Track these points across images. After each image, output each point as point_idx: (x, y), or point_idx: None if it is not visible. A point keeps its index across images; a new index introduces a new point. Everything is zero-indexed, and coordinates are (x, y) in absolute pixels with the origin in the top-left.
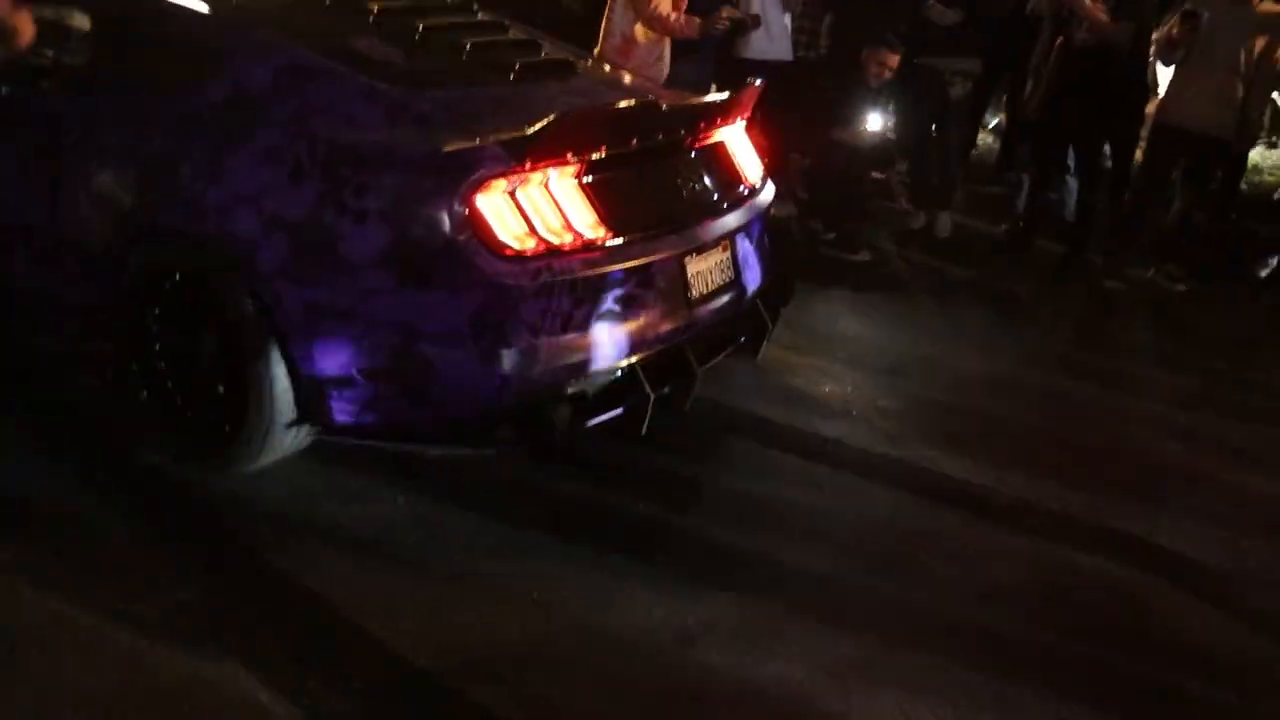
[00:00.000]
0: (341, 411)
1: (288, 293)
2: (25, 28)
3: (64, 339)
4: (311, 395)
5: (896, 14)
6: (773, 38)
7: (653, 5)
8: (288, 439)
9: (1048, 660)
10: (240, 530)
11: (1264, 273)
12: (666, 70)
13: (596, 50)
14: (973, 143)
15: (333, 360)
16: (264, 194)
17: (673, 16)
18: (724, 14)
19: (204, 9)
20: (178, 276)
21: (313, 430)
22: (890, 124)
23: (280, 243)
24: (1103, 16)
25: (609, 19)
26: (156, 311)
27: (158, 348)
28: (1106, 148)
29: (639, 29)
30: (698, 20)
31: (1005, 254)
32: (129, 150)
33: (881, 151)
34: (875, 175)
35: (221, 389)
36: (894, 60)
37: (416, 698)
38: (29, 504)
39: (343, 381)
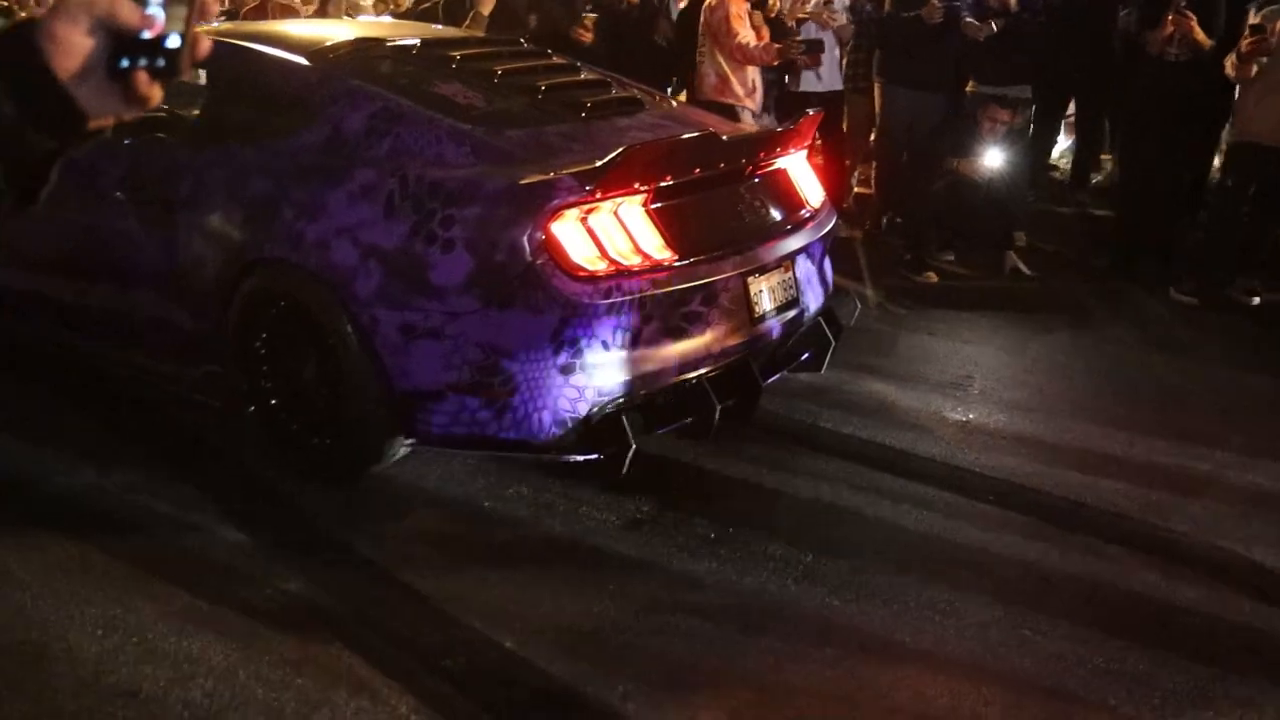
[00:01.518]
0: (433, 424)
1: (383, 316)
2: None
3: (179, 364)
4: (406, 409)
5: (944, 48)
6: (822, 71)
7: (735, 37)
8: (385, 451)
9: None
10: (339, 533)
11: None
12: (762, 98)
13: (687, 92)
14: (1045, 166)
15: (425, 376)
16: (360, 227)
17: (754, 45)
18: (798, 39)
19: (303, 61)
20: (282, 304)
21: (407, 442)
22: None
23: (376, 271)
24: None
25: (701, 61)
26: (264, 336)
27: (265, 369)
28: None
29: (724, 61)
30: (776, 46)
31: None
32: (238, 192)
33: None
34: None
35: (323, 405)
36: (1005, 115)
37: (507, 676)
38: (154, 515)
39: (434, 395)
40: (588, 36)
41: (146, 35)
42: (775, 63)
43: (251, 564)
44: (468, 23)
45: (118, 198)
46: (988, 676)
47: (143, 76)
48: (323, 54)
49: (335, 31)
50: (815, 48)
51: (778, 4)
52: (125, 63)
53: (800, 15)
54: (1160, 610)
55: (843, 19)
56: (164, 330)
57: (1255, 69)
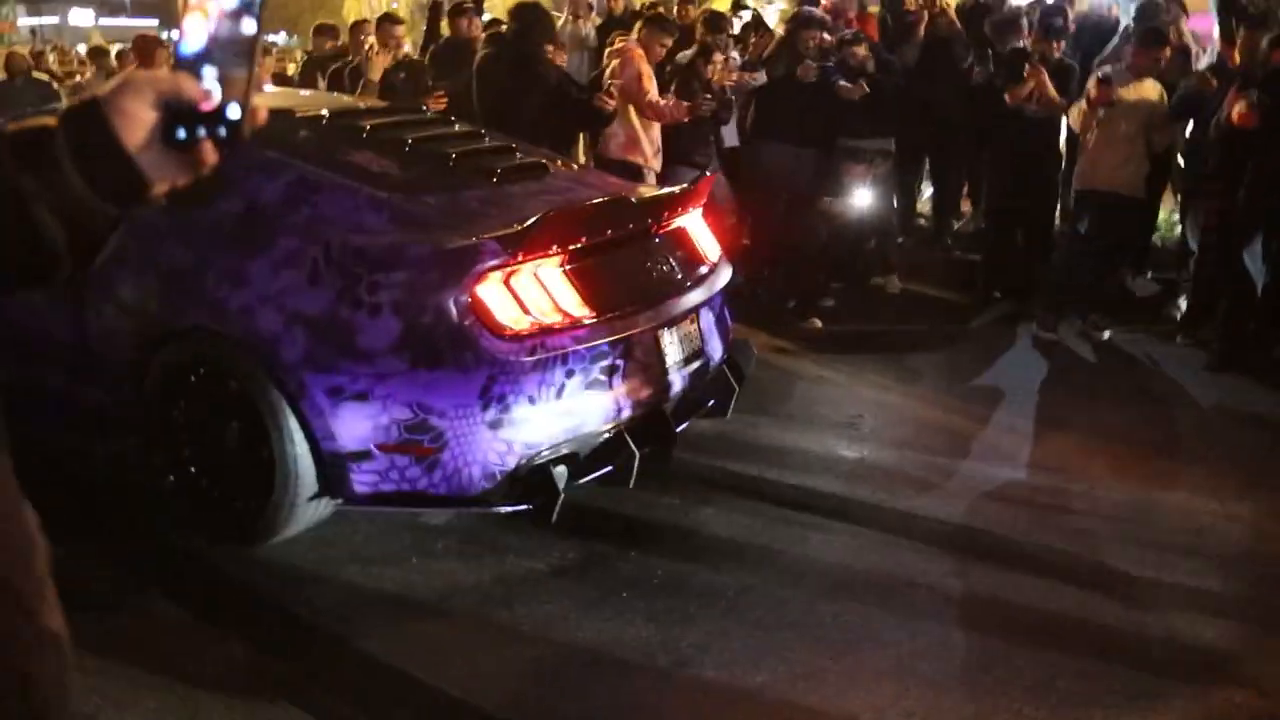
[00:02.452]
0: (361, 483)
1: (310, 380)
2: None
3: (94, 438)
4: (333, 470)
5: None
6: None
7: (646, 95)
8: (311, 512)
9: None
10: (274, 596)
11: (1178, 314)
12: (660, 163)
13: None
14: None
15: (353, 437)
16: (285, 294)
17: (665, 102)
18: (707, 96)
19: None
20: (203, 371)
21: (334, 502)
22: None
23: (302, 336)
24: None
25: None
26: (182, 404)
27: (184, 437)
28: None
29: (636, 120)
30: (686, 104)
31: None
32: (154, 262)
33: (867, 224)
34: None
35: (247, 470)
36: (860, 169)
37: None
38: (86, 594)
39: (363, 455)
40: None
41: (206, 107)
42: (686, 119)
43: (191, 633)
44: (359, 90)
45: None
46: (906, 691)
47: (207, 145)
48: None
49: None
50: (726, 105)
51: (715, 69)
52: (183, 133)
53: (727, 82)
54: (1050, 620)
55: (762, 78)
56: (76, 405)
57: (1095, 122)
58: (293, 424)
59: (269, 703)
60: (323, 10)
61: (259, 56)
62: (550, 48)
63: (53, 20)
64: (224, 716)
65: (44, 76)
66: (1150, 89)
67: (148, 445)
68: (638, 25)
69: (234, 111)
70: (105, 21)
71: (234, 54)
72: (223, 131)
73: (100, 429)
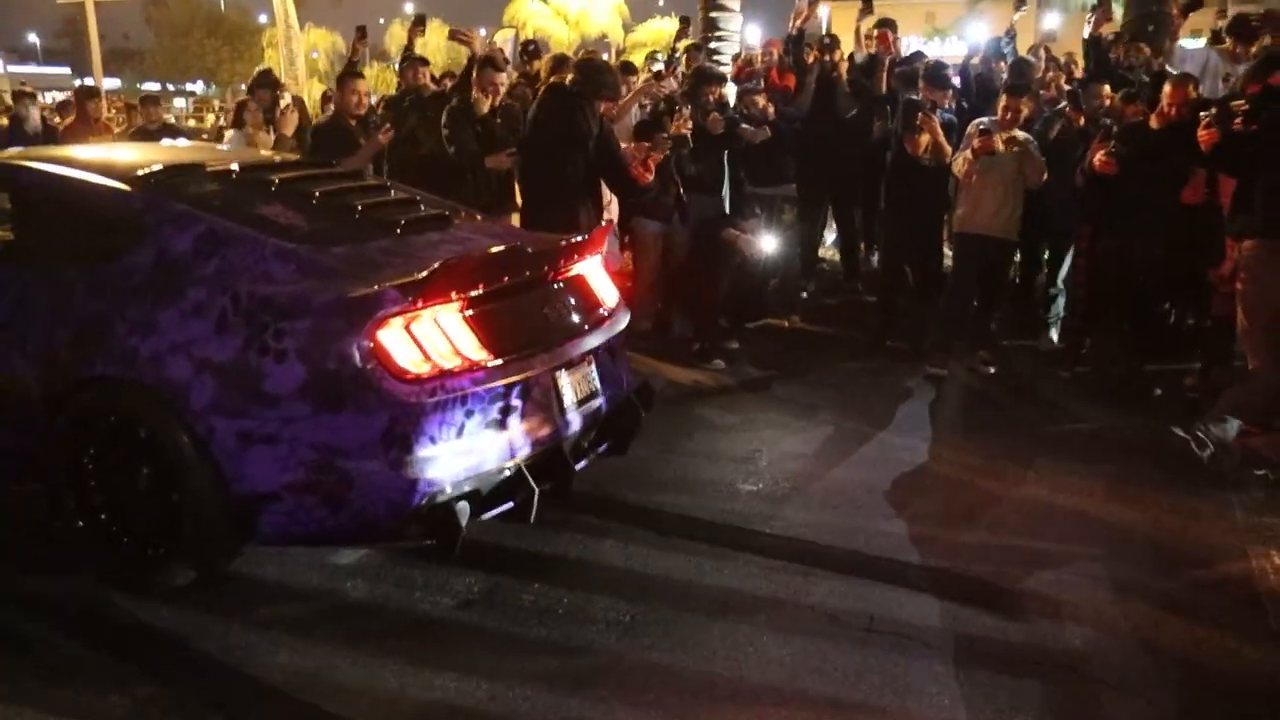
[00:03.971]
0: (271, 524)
1: (219, 424)
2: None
3: (3, 482)
4: (243, 512)
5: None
6: None
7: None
8: (222, 554)
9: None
10: (184, 634)
11: (1047, 348)
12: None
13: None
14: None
15: (262, 480)
16: (194, 343)
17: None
18: (665, 136)
19: (124, 186)
20: (113, 418)
21: (243, 542)
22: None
23: (211, 383)
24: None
25: None
26: (91, 451)
27: (93, 483)
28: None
29: None
30: (646, 144)
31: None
32: (65, 312)
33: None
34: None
35: (157, 515)
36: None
37: None
38: None
39: (271, 497)
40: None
41: None
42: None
43: (98, 675)
44: (271, 142)
45: None
46: (791, 702)
47: None
48: (142, 179)
49: (149, 157)
50: (681, 143)
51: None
52: None
53: (683, 130)
54: (931, 630)
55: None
56: None
57: (974, 171)
58: (202, 468)
59: None
60: (240, 61)
61: None
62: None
63: None
64: None
65: None
66: (1018, 136)
67: (58, 490)
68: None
69: None
70: (14, 69)
71: None
72: None
73: (10, 473)
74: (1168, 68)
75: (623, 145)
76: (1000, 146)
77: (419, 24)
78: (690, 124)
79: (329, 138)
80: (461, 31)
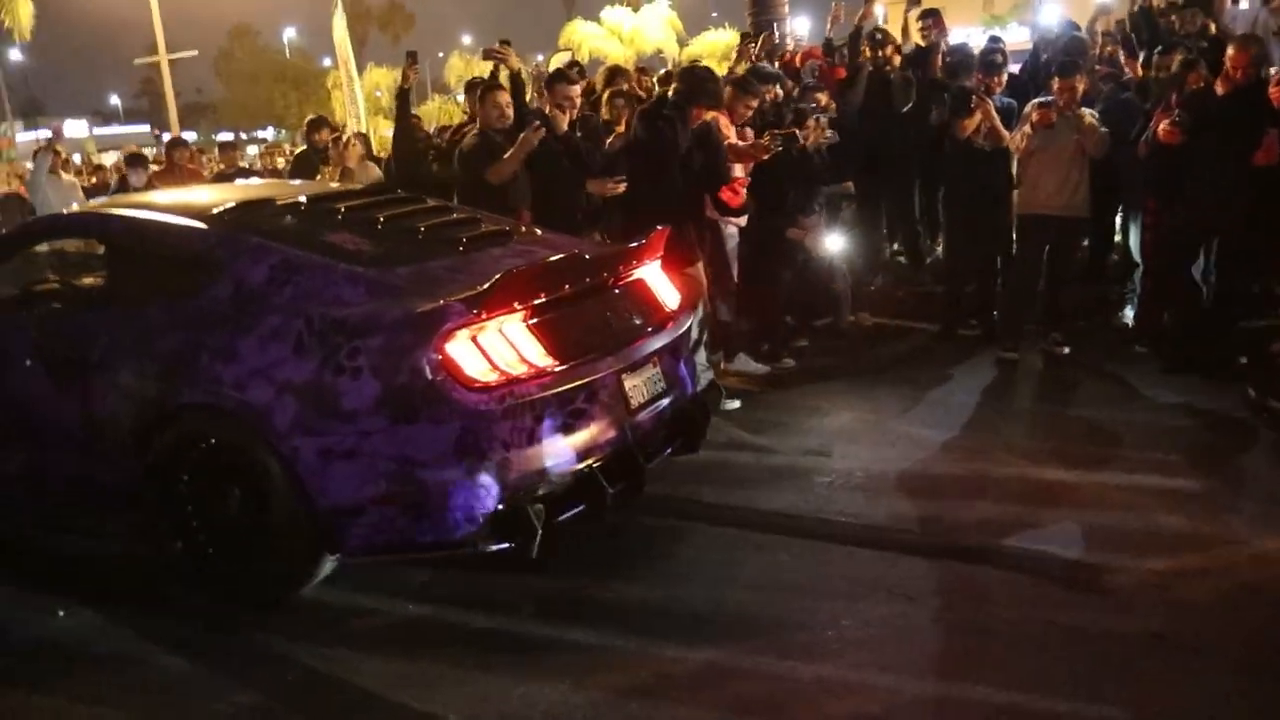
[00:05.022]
0: (355, 536)
1: (302, 443)
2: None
3: (101, 515)
4: (330, 527)
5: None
6: None
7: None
8: (312, 569)
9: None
10: (280, 648)
11: (1123, 322)
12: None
13: None
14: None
15: (346, 494)
16: (274, 366)
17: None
18: (775, 132)
19: (200, 225)
20: (204, 445)
21: (333, 557)
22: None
23: (291, 403)
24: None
25: None
26: (186, 477)
27: (189, 508)
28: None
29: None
30: (763, 142)
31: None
32: (153, 347)
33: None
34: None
35: (249, 534)
36: (808, 221)
37: None
38: (94, 652)
39: (355, 510)
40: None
41: None
42: (763, 158)
43: (200, 686)
44: (336, 176)
45: (28, 366)
46: (874, 685)
47: None
48: (216, 217)
49: (220, 196)
50: (791, 140)
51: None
52: None
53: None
54: (1011, 610)
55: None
56: (83, 485)
57: (1034, 149)
58: (288, 486)
59: None
60: (308, 104)
61: None
62: (710, 114)
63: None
64: None
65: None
66: (1078, 113)
67: (154, 520)
68: (727, 89)
69: None
70: (99, 131)
71: None
72: None
73: (109, 505)
74: (1228, 30)
75: (736, 141)
76: (1055, 117)
77: (413, 61)
78: (828, 132)
79: (480, 156)
80: (496, 49)
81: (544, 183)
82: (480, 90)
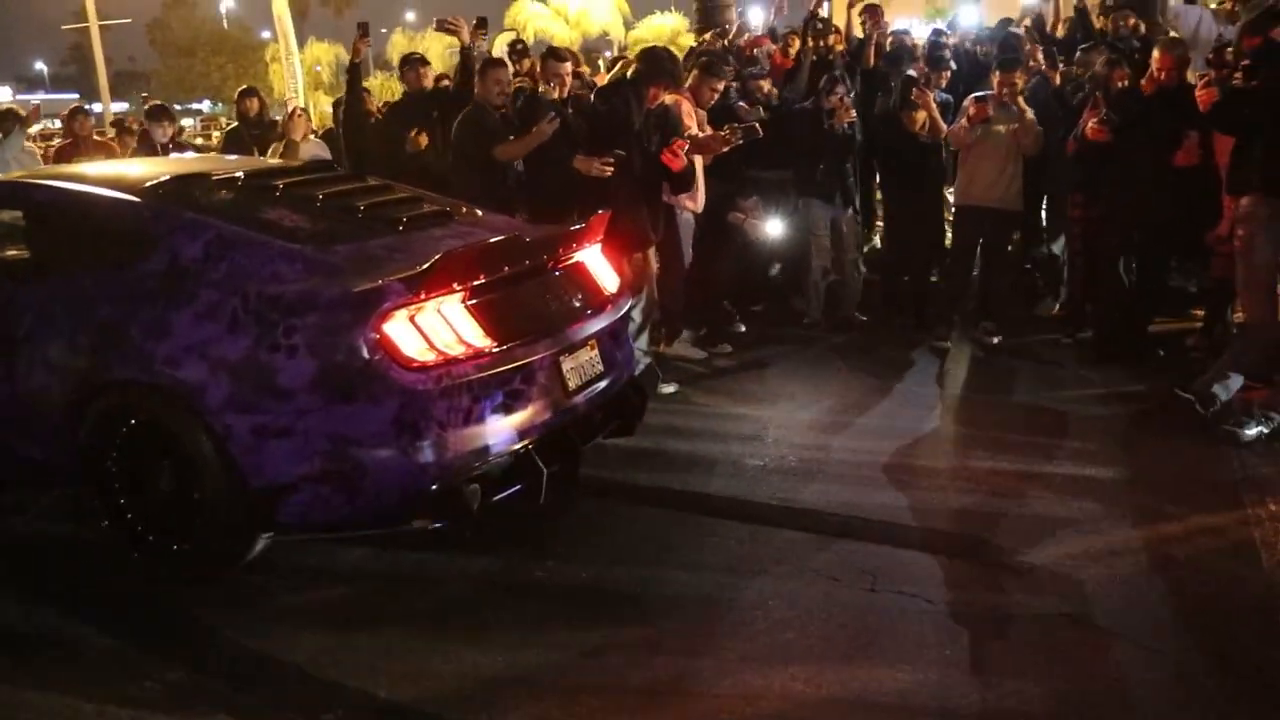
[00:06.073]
0: (289, 514)
1: (235, 421)
2: None
3: (27, 490)
4: (263, 504)
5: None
6: None
7: (685, 130)
8: (245, 547)
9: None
10: (210, 621)
11: (1046, 314)
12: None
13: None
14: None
15: (279, 472)
16: (208, 343)
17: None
18: (736, 125)
19: (134, 198)
20: (134, 421)
21: (265, 535)
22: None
23: (225, 380)
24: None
25: None
26: (114, 454)
27: (116, 484)
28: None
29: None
30: (721, 134)
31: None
32: (83, 321)
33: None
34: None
35: (179, 512)
36: (748, 205)
37: None
38: (18, 631)
39: (289, 489)
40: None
41: None
42: (720, 150)
43: (129, 662)
44: (281, 150)
45: None
46: (799, 661)
47: None
48: (151, 190)
49: (155, 170)
50: (751, 134)
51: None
52: None
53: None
54: (931, 588)
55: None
56: (8, 460)
57: (972, 142)
58: (220, 463)
59: (201, 715)
60: (245, 77)
61: None
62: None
63: None
64: None
65: None
66: (1015, 108)
67: (84, 494)
68: (692, 72)
69: None
70: (23, 97)
71: None
72: None
73: (37, 482)
74: (1165, 29)
75: (697, 132)
76: (992, 112)
77: (364, 33)
78: (851, 114)
79: (475, 130)
80: (449, 20)
81: (536, 155)
82: (481, 65)
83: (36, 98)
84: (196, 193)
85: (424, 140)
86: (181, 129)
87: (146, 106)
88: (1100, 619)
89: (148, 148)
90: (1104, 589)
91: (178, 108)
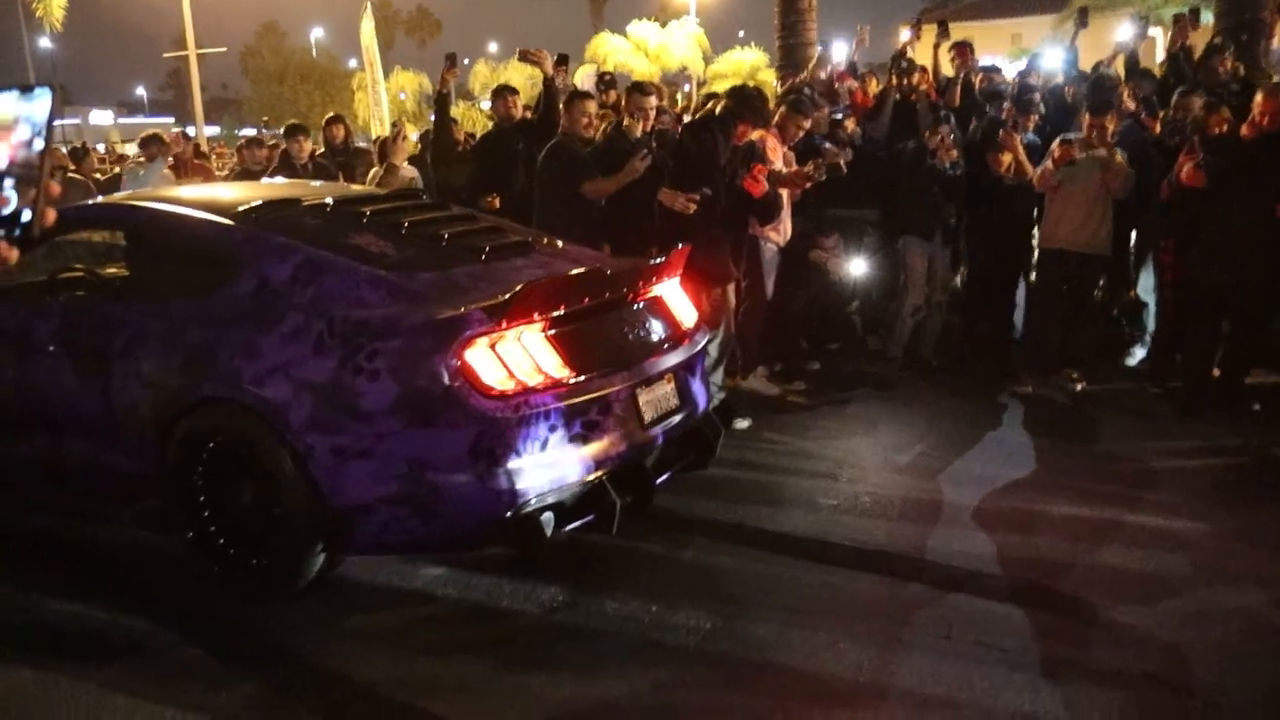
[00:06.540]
0: (365, 534)
1: (317, 441)
2: (49, 217)
3: (115, 502)
4: (340, 524)
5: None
6: None
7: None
8: (320, 563)
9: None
10: (287, 639)
11: (1133, 362)
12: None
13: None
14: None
15: (357, 493)
16: (293, 364)
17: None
18: (820, 161)
19: (227, 221)
20: (220, 438)
21: (342, 554)
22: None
23: (308, 401)
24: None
25: None
26: (200, 469)
27: (202, 499)
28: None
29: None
30: (805, 169)
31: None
32: (175, 340)
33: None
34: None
35: (260, 527)
36: (830, 242)
37: None
38: (105, 638)
39: (366, 509)
40: (495, 204)
41: (4, 211)
42: (805, 185)
43: (207, 675)
44: (381, 173)
45: (51, 352)
46: (869, 705)
47: (3, 245)
48: (243, 215)
49: (248, 194)
50: (835, 170)
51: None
52: None
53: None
54: (1009, 639)
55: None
56: (98, 472)
57: (1057, 185)
58: (300, 482)
59: None
60: (332, 104)
61: (47, 171)
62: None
63: (74, 121)
64: None
65: (79, 176)
66: (1104, 151)
67: (168, 508)
68: (780, 109)
69: (26, 215)
70: (124, 120)
71: (27, 169)
72: (17, 232)
73: (123, 493)
74: (1268, 72)
75: (781, 167)
76: (1078, 155)
77: (451, 64)
78: (953, 153)
79: (562, 163)
80: (532, 52)
81: (621, 191)
82: (567, 98)
83: (136, 121)
84: (286, 217)
85: (496, 203)
86: (315, 150)
87: (285, 125)
88: (1182, 682)
89: (287, 167)
90: (1194, 651)
91: (266, 132)
